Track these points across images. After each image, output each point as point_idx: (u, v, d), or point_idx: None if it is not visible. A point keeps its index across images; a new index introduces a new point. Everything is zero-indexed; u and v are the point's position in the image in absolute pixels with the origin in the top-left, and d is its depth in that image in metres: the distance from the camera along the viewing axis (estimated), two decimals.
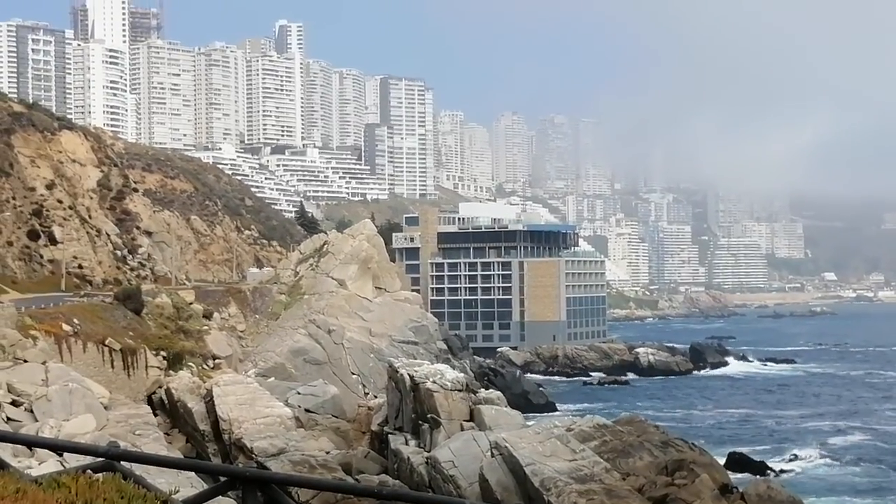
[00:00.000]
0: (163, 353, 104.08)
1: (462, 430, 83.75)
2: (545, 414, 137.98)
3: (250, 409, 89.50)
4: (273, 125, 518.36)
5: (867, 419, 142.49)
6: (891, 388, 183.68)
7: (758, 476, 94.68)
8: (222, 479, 12.72)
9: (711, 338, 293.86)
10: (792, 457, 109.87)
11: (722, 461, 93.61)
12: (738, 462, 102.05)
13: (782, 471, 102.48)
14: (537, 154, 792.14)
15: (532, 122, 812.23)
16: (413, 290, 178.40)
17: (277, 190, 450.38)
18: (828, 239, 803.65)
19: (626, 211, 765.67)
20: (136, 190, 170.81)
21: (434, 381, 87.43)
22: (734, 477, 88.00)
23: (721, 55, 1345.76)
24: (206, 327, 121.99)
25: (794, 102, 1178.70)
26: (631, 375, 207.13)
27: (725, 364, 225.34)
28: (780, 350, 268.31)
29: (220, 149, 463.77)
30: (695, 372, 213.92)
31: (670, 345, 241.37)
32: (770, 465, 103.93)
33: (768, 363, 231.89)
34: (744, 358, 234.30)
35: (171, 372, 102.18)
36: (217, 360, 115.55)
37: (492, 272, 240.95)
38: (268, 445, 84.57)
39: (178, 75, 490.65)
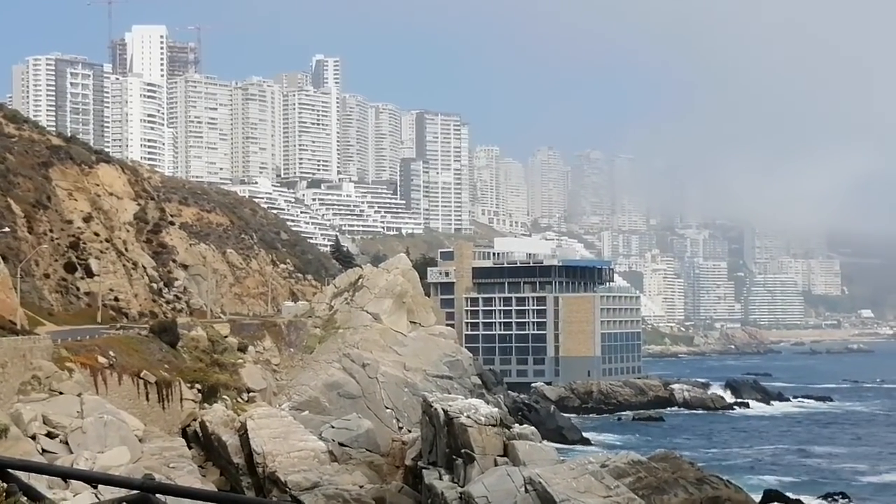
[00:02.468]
0: (197, 385, 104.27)
1: (496, 465, 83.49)
2: (579, 449, 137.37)
3: (284, 442, 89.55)
4: (309, 159, 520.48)
5: None
6: None
7: None
8: None
9: (747, 374, 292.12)
10: (830, 496, 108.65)
11: (757, 498, 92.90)
12: (774, 499, 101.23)
13: None
14: (573, 189, 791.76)
15: (568, 158, 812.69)
16: (448, 325, 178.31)
17: (313, 224, 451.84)
18: (865, 276, 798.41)
19: (661, 246, 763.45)
20: (172, 223, 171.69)
21: (468, 416, 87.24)
22: None
23: (757, 91, 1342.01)
24: (240, 360, 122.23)
25: (831, 140, 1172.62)
26: (666, 411, 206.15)
27: (761, 401, 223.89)
28: (817, 387, 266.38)
29: (256, 182, 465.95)
30: (731, 409, 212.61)
31: (705, 381, 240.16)
32: (806, 502, 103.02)
33: (805, 400, 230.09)
34: (780, 395, 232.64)
35: (205, 405, 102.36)
36: (251, 394, 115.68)
37: (526, 307, 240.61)
38: (301, 479, 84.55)
39: (215, 109, 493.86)
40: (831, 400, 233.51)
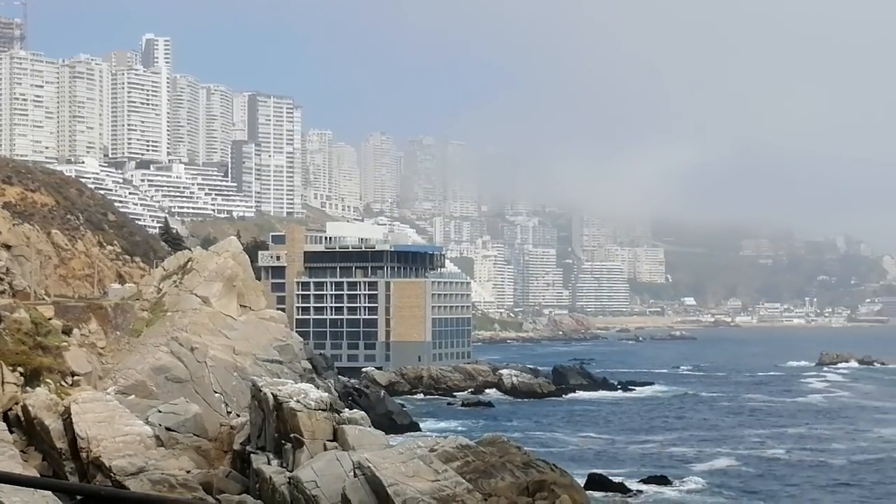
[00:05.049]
0: (20, 369, 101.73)
1: (325, 449, 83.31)
2: (409, 434, 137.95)
3: (109, 427, 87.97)
4: (138, 140, 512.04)
5: (730, 443, 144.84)
6: (752, 412, 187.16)
7: (618, 497, 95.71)
8: (79, 498, 12.50)
9: (574, 360, 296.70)
10: (652, 479, 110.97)
11: (582, 482, 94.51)
12: (597, 483, 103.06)
13: (640, 492, 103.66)
14: (405, 175, 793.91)
15: (400, 143, 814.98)
16: (278, 309, 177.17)
17: (142, 205, 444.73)
18: (688, 264, 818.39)
19: (492, 233, 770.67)
20: None
21: (297, 401, 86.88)
22: (594, 498, 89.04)
23: (588, 82, 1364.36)
24: (65, 343, 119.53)
25: (657, 132, 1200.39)
26: (494, 397, 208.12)
27: (588, 387, 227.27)
28: (641, 372, 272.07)
29: (83, 162, 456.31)
30: (557, 395, 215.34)
31: (533, 367, 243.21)
32: (629, 486, 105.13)
33: (630, 387, 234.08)
34: (605, 380, 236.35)
35: (27, 389, 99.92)
36: (76, 378, 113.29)
37: (358, 292, 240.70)
38: (127, 464, 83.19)
39: (42, 87, 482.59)
40: (655, 385, 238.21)
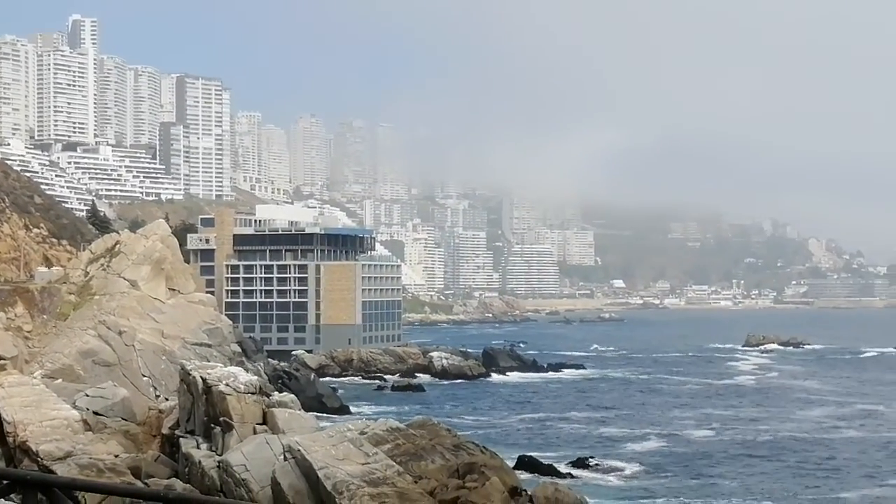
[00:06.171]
0: None
1: (255, 433, 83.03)
2: (339, 417, 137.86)
3: (36, 411, 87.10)
4: (65, 121, 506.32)
5: (659, 424, 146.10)
6: (679, 394, 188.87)
7: (547, 478, 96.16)
8: (4, 482, 12.38)
9: (504, 342, 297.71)
10: (582, 461, 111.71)
11: (512, 464, 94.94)
12: (527, 465, 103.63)
13: (570, 474, 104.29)
14: (335, 157, 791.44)
15: (330, 125, 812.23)
16: (208, 292, 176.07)
17: (69, 188, 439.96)
18: (617, 247, 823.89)
19: (422, 216, 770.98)
20: None
21: (227, 384, 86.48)
22: (524, 479, 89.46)
23: (519, 65, 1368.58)
24: None
25: (587, 117, 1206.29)
26: (425, 379, 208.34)
27: (518, 369, 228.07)
28: (570, 355, 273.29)
29: (8, 144, 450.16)
30: (488, 377, 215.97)
31: (464, 349, 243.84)
32: (559, 468, 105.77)
33: (560, 368, 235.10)
34: (535, 363, 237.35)
35: None
36: (2, 362, 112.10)
37: (288, 275, 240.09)
38: (54, 448, 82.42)
39: None
40: (584, 368, 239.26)
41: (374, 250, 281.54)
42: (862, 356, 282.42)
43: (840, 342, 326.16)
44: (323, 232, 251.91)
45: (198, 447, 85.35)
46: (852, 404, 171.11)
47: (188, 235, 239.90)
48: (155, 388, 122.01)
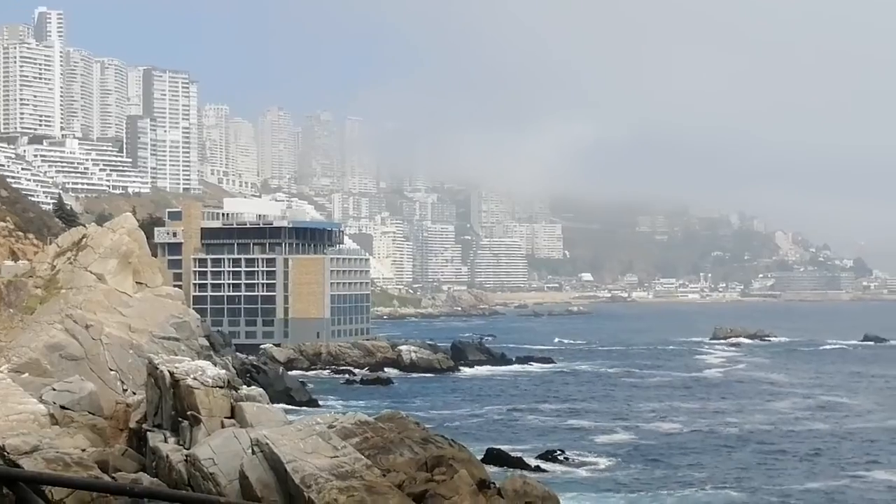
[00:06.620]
0: None
1: (223, 427, 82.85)
2: (307, 411, 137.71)
3: (2, 405, 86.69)
4: (31, 114, 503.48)
5: (627, 417, 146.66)
6: (647, 386, 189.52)
7: (515, 471, 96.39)
8: None
9: (472, 336, 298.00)
10: (551, 454, 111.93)
11: (480, 457, 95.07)
12: (495, 458, 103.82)
13: (538, 467, 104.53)
14: (303, 151, 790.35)
15: (298, 119, 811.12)
16: (175, 286, 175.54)
17: (35, 181, 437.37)
18: (585, 240, 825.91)
19: (391, 209, 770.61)
20: None
21: (195, 378, 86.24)
22: (493, 472, 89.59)
23: (488, 59, 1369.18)
24: None
25: (556, 110, 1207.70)
26: (393, 373, 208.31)
27: (486, 362, 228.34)
28: (539, 348, 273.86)
29: None
30: (456, 370, 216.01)
31: (432, 343, 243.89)
32: (527, 461, 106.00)
33: (528, 361, 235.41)
34: (503, 356, 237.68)
35: None
36: None
37: (256, 269, 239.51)
38: (20, 443, 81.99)
39: None
40: (553, 361, 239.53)
41: (343, 244, 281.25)
42: (828, 348, 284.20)
43: (806, 335, 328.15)
44: (291, 225, 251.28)
45: (165, 441, 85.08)
46: (817, 396, 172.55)
47: (155, 229, 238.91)
48: (122, 382, 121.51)
